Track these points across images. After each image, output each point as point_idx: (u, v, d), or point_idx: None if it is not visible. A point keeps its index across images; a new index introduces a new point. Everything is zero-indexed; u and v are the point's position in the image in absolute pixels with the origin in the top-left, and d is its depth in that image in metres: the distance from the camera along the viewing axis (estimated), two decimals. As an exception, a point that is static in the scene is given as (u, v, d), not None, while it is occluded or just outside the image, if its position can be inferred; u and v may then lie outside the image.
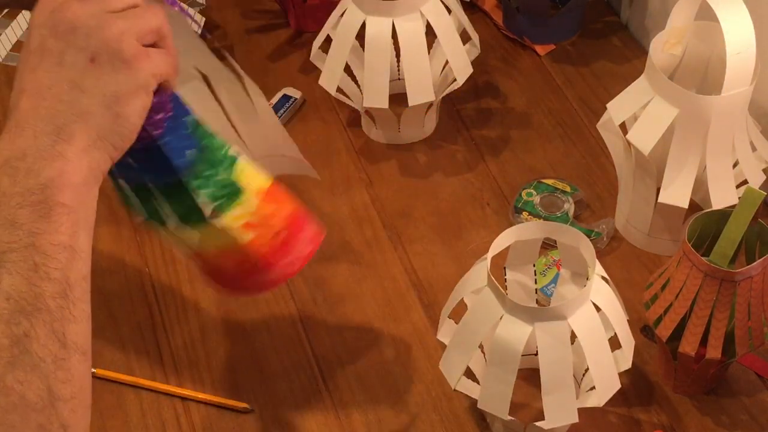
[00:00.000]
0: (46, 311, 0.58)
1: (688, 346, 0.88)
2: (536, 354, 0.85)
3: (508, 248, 0.89)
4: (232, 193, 0.76)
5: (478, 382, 0.89)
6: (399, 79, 1.21)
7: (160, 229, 0.79)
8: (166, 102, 0.71)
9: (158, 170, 0.73)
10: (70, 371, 0.58)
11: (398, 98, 1.15)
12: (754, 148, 1.01)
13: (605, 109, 1.04)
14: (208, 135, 0.74)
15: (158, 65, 0.64)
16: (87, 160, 0.61)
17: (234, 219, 0.77)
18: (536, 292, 0.98)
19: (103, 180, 0.66)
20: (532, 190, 1.14)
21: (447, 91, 1.16)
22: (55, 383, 0.57)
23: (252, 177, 0.78)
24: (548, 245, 1.04)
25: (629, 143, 1.00)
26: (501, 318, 0.82)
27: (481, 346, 0.89)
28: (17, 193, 0.59)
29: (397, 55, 1.16)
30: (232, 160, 0.76)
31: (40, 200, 0.59)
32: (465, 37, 1.16)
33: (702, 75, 1.05)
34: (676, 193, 0.98)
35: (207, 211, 0.75)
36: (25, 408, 0.55)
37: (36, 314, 0.57)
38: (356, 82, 1.19)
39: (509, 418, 0.85)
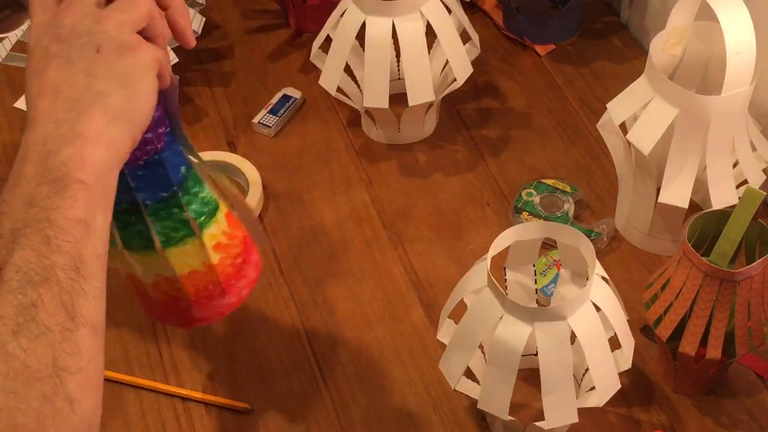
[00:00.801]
0: (55, 282, 0.58)
1: (688, 346, 0.88)
2: (536, 354, 0.85)
3: (508, 248, 0.89)
4: (211, 210, 0.79)
5: (478, 382, 0.89)
6: (399, 79, 1.22)
7: (125, 256, 0.80)
8: (164, 118, 0.73)
9: (156, 186, 0.75)
10: (77, 344, 0.58)
11: (398, 98, 1.15)
12: (754, 148, 1.01)
13: (605, 109, 1.04)
14: (192, 154, 0.78)
15: (156, 51, 0.67)
16: (106, 138, 0.62)
17: (210, 237, 0.79)
18: (536, 292, 0.98)
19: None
20: (532, 190, 1.14)
21: (447, 91, 1.16)
22: (61, 354, 0.56)
23: (219, 198, 0.80)
24: (548, 245, 1.04)
25: (629, 143, 1.00)
26: (501, 318, 0.82)
27: (481, 346, 0.89)
28: (38, 173, 0.60)
29: (397, 55, 1.16)
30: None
31: (58, 177, 0.60)
32: (465, 37, 1.16)
33: (702, 75, 1.05)
34: (676, 193, 0.98)
35: (193, 227, 0.77)
36: (28, 375, 0.55)
37: (45, 284, 0.57)
38: (356, 82, 1.19)
39: (509, 418, 0.85)
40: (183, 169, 0.76)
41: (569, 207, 1.11)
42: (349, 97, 1.18)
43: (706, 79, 1.04)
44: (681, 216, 1.02)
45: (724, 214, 0.88)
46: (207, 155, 1.17)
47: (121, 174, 0.68)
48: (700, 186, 1.03)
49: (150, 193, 0.75)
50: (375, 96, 1.11)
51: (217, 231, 0.79)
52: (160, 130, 0.73)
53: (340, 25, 1.12)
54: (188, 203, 0.77)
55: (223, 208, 0.80)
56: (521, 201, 1.13)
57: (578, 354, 0.86)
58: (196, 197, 0.78)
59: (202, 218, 0.78)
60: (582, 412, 0.85)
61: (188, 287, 0.80)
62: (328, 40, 1.15)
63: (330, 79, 1.14)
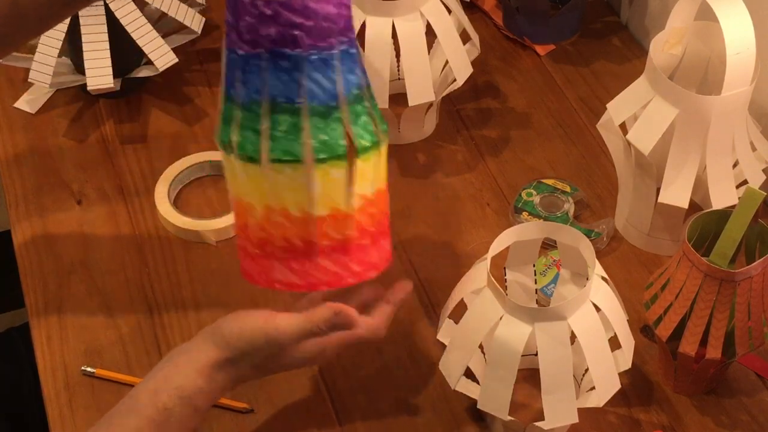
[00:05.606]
0: None
1: (688, 346, 0.88)
2: (536, 354, 0.85)
3: (508, 248, 0.89)
4: (375, 143, 0.77)
5: (478, 382, 0.89)
6: (399, 79, 1.21)
7: (242, 164, 0.78)
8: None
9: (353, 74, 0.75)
10: None
11: (398, 98, 1.15)
12: (754, 148, 1.01)
13: (605, 109, 1.04)
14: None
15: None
16: None
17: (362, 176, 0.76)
18: (536, 292, 0.98)
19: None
20: (532, 190, 1.14)
21: (447, 91, 1.16)
22: None
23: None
24: (548, 245, 1.04)
25: (629, 143, 1.00)
26: (501, 318, 0.82)
27: (481, 346, 0.90)
28: None
29: (397, 55, 1.16)
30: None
31: None
32: (465, 37, 1.16)
33: (702, 75, 1.05)
34: (676, 193, 0.98)
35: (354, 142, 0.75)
36: None
37: None
38: (356, 82, 1.19)
39: (509, 418, 0.85)
40: (362, 76, 0.76)
41: (569, 207, 1.11)
42: (349, 97, 1.17)
43: (706, 79, 1.04)
44: (681, 216, 1.02)
45: (724, 214, 0.88)
46: (207, 155, 1.17)
47: (326, 60, 0.71)
48: (700, 186, 1.03)
49: (353, 77, 0.75)
50: (375, 96, 1.11)
51: (373, 177, 0.76)
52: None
53: (340, 25, 1.12)
54: (362, 113, 0.76)
55: (382, 180, 0.77)
56: (521, 201, 1.13)
57: (578, 354, 0.86)
58: (374, 109, 0.77)
59: (367, 141, 0.76)
60: (582, 412, 0.86)
61: (323, 225, 0.77)
62: (328, 40, 1.15)
63: (330, 79, 1.14)
